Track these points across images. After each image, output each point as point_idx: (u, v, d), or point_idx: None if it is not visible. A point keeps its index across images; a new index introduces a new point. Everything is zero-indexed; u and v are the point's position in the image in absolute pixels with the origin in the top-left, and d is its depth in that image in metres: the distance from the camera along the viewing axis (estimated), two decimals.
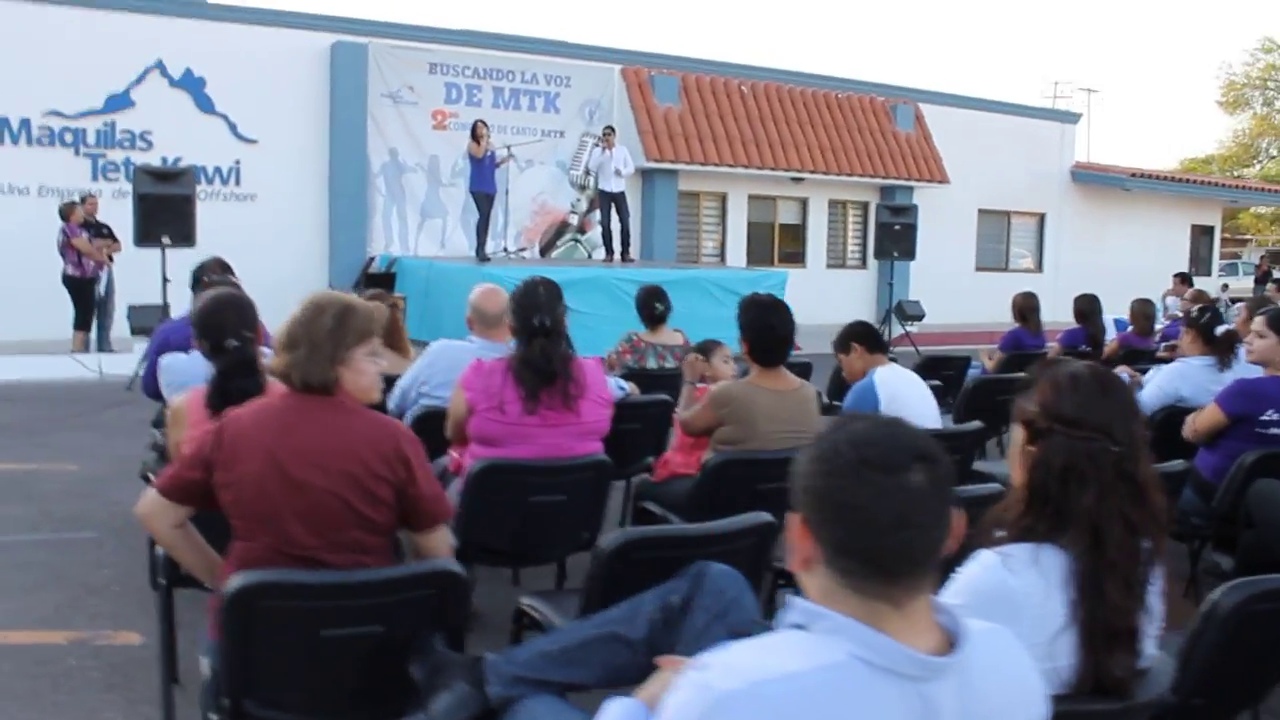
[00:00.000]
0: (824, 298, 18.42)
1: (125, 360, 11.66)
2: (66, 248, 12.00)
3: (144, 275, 11.97)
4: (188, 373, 4.30)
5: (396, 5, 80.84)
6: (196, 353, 4.35)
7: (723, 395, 4.34)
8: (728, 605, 2.31)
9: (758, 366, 4.45)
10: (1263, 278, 30.53)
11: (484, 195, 14.28)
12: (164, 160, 14.39)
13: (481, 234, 14.50)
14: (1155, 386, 5.99)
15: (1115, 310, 22.24)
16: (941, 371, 8.19)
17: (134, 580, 5.02)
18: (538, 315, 3.90)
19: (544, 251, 17.88)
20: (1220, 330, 6.00)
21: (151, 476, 4.65)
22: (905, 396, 5.13)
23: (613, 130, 15.92)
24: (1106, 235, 25.23)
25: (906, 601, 1.45)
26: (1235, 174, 46.05)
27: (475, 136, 14.01)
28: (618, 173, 15.20)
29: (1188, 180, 28.79)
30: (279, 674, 2.41)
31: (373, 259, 15.94)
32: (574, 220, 18.27)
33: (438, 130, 16.67)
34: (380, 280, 13.66)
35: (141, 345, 11.84)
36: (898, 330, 16.27)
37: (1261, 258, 33.76)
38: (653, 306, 6.63)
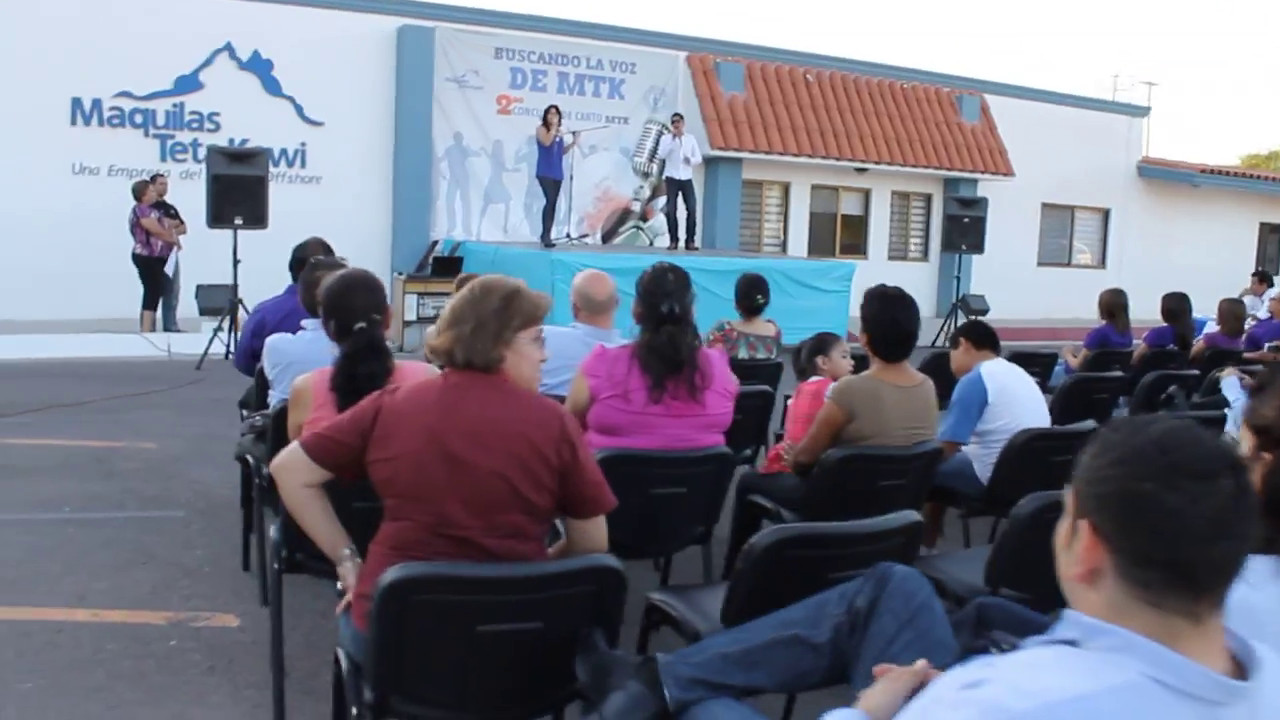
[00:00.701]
0: None
1: (193, 340, 11.69)
2: (136, 227, 12.02)
3: (212, 256, 12.02)
4: (295, 354, 4.22)
5: None
6: (306, 333, 4.28)
7: (848, 391, 4.19)
8: (916, 610, 2.17)
9: (880, 361, 4.29)
10: (1265, 278, 29.70)
11: (551, 181, 14.18)
12: (231, 142, 14.40)
13: (548, 220, 14.40)
14: None
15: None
16: (1029, 368, 7.94)
17: (225, 562, 4.96)
18: (666, 302, 3.77)
19: (606, 238, 17.76)
20: None
21: (250, 459, 4.59)
22: (1015, 390, 4.96)
23: (681, 117, 15.76)
24: (1173, 232, 24.71)
25: (1208, 618, 1.33)
26: None
27: (546, 123, 13.89)
28: (686, 160, 15.05)
29: (1258, 176, 28.10)
30: (430, 669, 2.30)
31: (436, 243, 15.90)
32: (637, 207, 18.14)
33: (502, 115, 16.58)
34: (448, 265, 13.58)
35: (210, 325, 11.89)
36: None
37: None
38: (754, 297, 6.47)
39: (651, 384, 3.67)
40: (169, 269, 12.34)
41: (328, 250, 5.47)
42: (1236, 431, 5.63)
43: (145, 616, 4.30)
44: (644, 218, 18.29)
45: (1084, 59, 77.03)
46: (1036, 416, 4.92)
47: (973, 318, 5.36)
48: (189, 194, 12.97)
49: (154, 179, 12.56)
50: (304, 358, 4.22)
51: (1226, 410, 5.71)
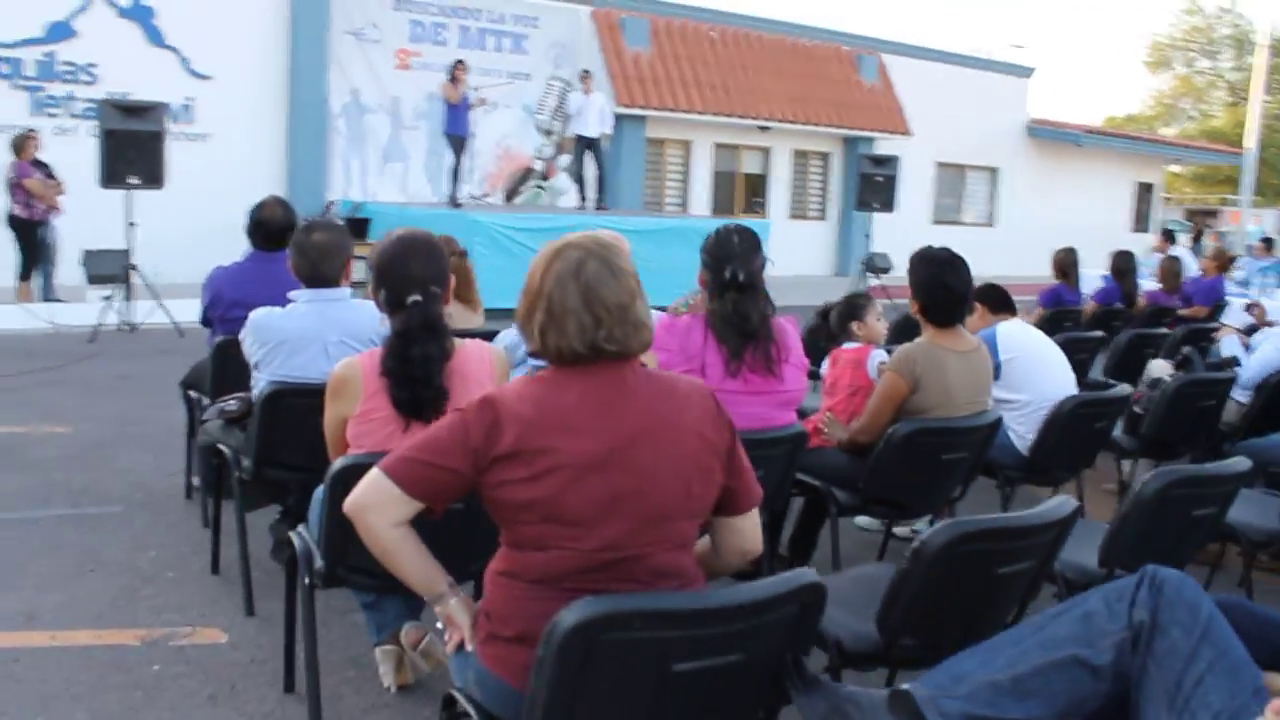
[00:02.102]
0: (785, 249, 17.99)
1: (79, 311, 10.75)
2: (16, 186, 10.94)
3: (98, 219, 11.08)
4: (289, 331, 3.67)
5: None
6: (298, 306, 3.72)
7: (910, 360, 3.84)
8: (1207, 622, 1.83)
9: (933, 327, 3.97)
10: (1198, 236, 30.94)
11: (458, 139, 13.63)
12: (109, 96, 13.33)
13: (454, 179, 13.82)
14: (1274, 349, 5.65)
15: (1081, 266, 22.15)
16: None
17: (188, 565, 4.38)
18: (730, 266, 3.35)
19: (508, 197, 17.15)
20: None
21: (226, 450, 4.01)
22: (1040, 354, 4.68)
23: (590, 74, 15.24)
24: (1057, 190, 25.19)
25: None
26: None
27: (453, 78, 13.27)
28: (602, 118, 14.61)
29: (1137, 137, 28.91)
30: (615, 717, 1.87)
31: (332, 203, 15.07)
32: (539, 166, 17.52)
33: (401, 70, 15.78)
34: (354, 227, 12.82)
35: (97, 294, 10.96)
36: (873, 283, 15.94)
37: (1206, 215, 34.20)
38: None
39: (729, 355, 3.26)
40: (48, 233, 11.29)
41: (285, 208, 4.86)
42: (1243, 395, 5.49)
43: (115, 636, 3.70)
44: (545, 176, 17.70)
45: (969, 20, 78.32)
46: (1064, 380, 4.66)
47: (988, 281, 5.05)
48: (64, 152, 11.94)
49: (28, 134, 11.45)
50: (300, 335, 3.68)
51: (1237, 370, 5.58)
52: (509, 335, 4.32)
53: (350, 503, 2.10)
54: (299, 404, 3.71)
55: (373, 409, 2.73)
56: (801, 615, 1.97)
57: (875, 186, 15.49)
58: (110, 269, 10.73)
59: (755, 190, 20.89)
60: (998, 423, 4.04)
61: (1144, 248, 24.83)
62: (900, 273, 17.63)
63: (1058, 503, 2.62)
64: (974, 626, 2.70)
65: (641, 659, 1.83)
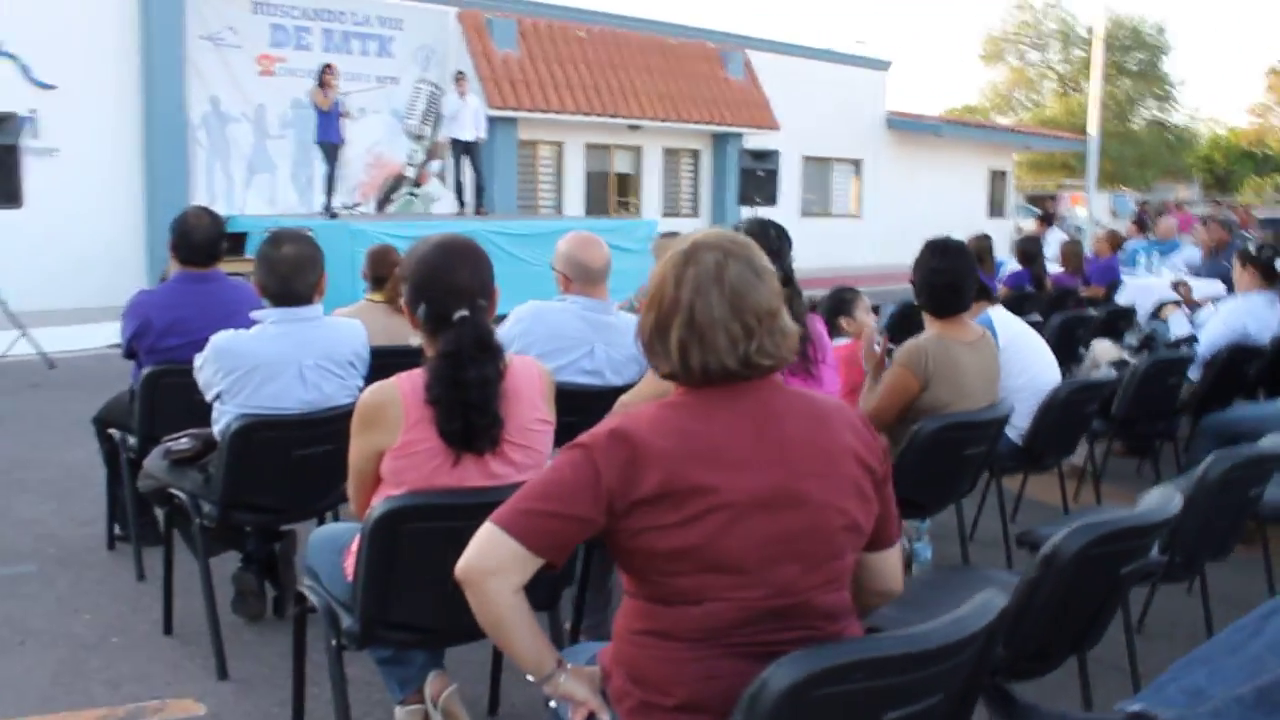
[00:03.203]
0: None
1: None
2: None
3: None
4: (263, 355, 3.26)
5: None
6: (267, 327, 3.31)
7: (919, 355, 3.65)
8: None
9: (937, 319, 3.80)
10: (1047, 219, 32.13)
11: (331, 146, 13.10)
12: None
13: (328, 188, 13.27)
14: (1221, 324, 5.69)
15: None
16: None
17: (134, 627, 3.91)
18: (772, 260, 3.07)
19: (380, 206, 16.54)
20: None
21: (181, 495, 3.56)
22: (1028, 340, 4.57)
23: (464, 75, 14.79)
24: (917, 180, 25.75)
25: None
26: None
27: (322, 84, 12.69)
28: (477, 121, 14.20)
29: (993, 127, 29.83)
30: None
31: None
32: (410, 173, 16.96)
33: (264, 76, 14.99)
34: (231, 242, 12.12)
35: None
36: None
37: (1051, 200, 35.59)
38: None
39: None
40: None
41: (212, 217, 4.40)
42: (1195, 373, 5.49)
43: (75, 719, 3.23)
44: (418, 183, 17.15)
45: (817, 16, 79.89)
46: (1051, 364, 4.56)
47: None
48: None
49: None
50: (273, 360, 3.28)
51: (1196, 347, 5.60)
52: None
53: (468, 567, 1.76)
54: (273, 438, 3.32)
55: (416, 440, 2.37)
56: (986, 643, 1.73)
57: (757, 181, 15.53)
58: None
59: (627, 190, 20.72)
60: (1010, 413, 3.89)
61: (1005, 233, 25.67)
62: (807, 265, 17.74)
63: (1164, 496, 2.48)
64: (1090, 632, 2.53)
65: (855, 713, 1.56)
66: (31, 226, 11.50)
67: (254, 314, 3.34)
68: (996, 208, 29.15)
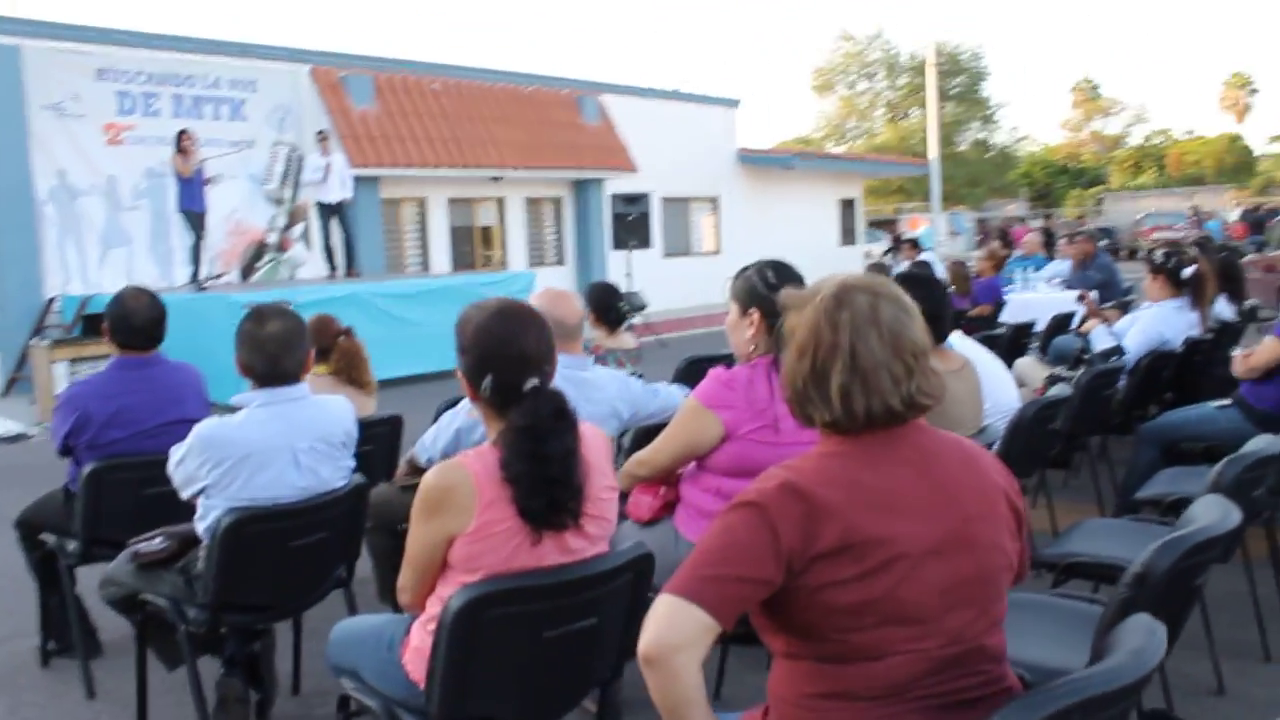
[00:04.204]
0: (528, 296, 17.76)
1: None
2: None
3: None
4: (254, 442, 3.03)
5: (52, 5, 69.90)
6: (255, 412, 3.08)
7: None
8: None
9: None
10: (896, 244, 33.21)
11: (196, 215, 12.71)
12: None
13: (194, 258, 12.82)
14: (1140, 333, 5.91)
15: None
16: None
17: (116, 697, 3.56)
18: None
19: (244, 275, 15.96)
20: (1186, 273, 6.02)
21: (159, 600, 3.27)
22: (988, 363, 4.63)
23: (325, 135, 14.47)
24: (771, 213, 26.27)
25: None
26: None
27: (181, 149, 12.23)
28: (343, 181, 13.90)
29: (841, 157, 30.68)
30: None
31: (53, 299, 13.48)
32: (273, 239, 16.44)
33: (113, 145, 14.30)
34: (89, 324, 11.49)
35: None
36: (635, 322, 15.93)
37: (894, 224, 36.81)
38: (615, 307, 5.72)
39: None
40: None
41: (151, 297, 4.12)
42: (1121, 382, 5.66)
43: None
44: (281, 248, 16.64)
45: (657, 60, 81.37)
46: (1010, 386, 4.63)
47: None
48: None
49: None
50: (269, 445, 3.06)
51: (1124, 358, 5.77)
52: (453, 423, 3.79)
53: (656, 644, 1.62)
54: (268, 530, 3.09)
55: (492, 522, 2.20)
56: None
57: (629, 225, 15.62)
58: None
59: (491, 242, 20.53)
60: (996, 439, 3.93)
61: (855, 260, 26.38)
62: (653, 309, 18.01)
63: (1219, 506, 2.53)
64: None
65: None
66: None
67: (236, 398, 3.11)
68: (848, 235, 29.99)
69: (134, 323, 3.92)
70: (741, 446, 2.89)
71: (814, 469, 1.72)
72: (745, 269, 3.14)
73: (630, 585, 2.41)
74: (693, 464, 3.07)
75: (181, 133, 12.48)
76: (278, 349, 3.05)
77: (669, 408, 4.17)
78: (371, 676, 2.48)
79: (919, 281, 3.84)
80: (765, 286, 3.02)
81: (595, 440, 2.37)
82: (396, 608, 4.30)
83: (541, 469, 2.17)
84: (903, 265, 15.12)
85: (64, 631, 4.24)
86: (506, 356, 2.26)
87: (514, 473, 2.18)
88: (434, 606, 2.31)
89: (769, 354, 2.97)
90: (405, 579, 2.37)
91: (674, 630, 1.62)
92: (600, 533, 2.35)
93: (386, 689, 2.43)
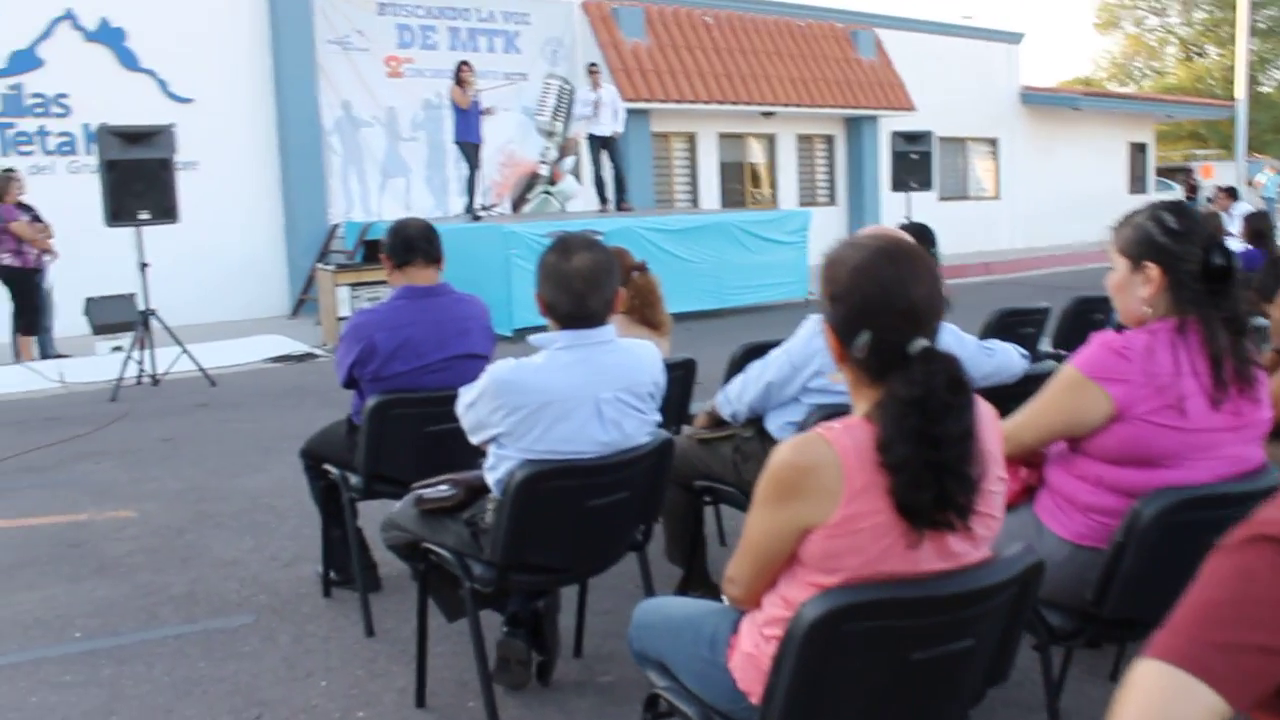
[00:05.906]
0: None
1: (88, 366, 9.68)
2: (3, 232, 9.80)
3: (94, 262, 10.03)
4: (555, 388, 2.69)
5: None
6: (554, 355, 2.73)
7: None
8: None
9: None
10: (1192, 193, 30.49)
11: (472, 146, 12.76)
12: (85, 128, 12.24)
13: (470, 189, 12.91)
14: None
15: (1072, 232, 21.60)
16: (1022, 327, 6.11)
17: (379, 698, 3.39)
18: (1211, 249, 2.41)
19: (515, 206, 16.10)
20: None
21: (443, 553, 3.02)
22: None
23: (597, 67, 14.29)
24: (1054, 158, 24.55)
25: None
26: None
27: (460, 81, 12.31)
28: (614, 114, 13.66)
29: (1132, 97, 28.34)
30: None
31: (336, 226, 14.00)
32: (544, 170, 16.47)
33: (393, 78, 14.70)
34: (369, 250, 11.80)
35: (105, 345, 9.88)
36: None
37: (1188, 173, 33.77)
38: (931, 253, 5.13)
39: (1214, 379, 2.33)
40: (46, 282, 10.16)
41: (429, 228, 3.89)
42: None
43: None
44: (552, 181, 16.67)
45: None
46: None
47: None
48: (45, 192, 10.83)
49: (9, 175, 10.28)
50: (571, 393, 2.71)
51: None
52: (763, 375, 3.39)
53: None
54: (566, 487, 2.76)
55: (861, 514, 1.74)
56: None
57: (911, 165, 14.69)
58: (118, 316, 9.67)
59: (759, 180, 20.02)
60: None
61: None
62: (946, 251, 16.94)
63: None
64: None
65: None
66: (179, 241, 11.32)
67: (535, 338, 2.78)
68: (1137, 183, 27.68)
69: (408, 234, 3.72)
70: (1135, 429, 2.32)
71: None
72: (1133, 214, 2.52)
73: (1013, 601, 1.92)
74: (1062, 444, 2.52)
75: (462, 64, 12.57)
76: (584, 286, 2.68)
77: (1004, 368, 3.62)
78: (686, 676, 2.10)
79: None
80: (1165, 235, 2.40)
81: (989, 419, 1.86)
82: (686, 565, 3.98)
83: (932, 454, 1.69)
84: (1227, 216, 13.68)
85: (345, 564, 4.14)
86: (892, 309, 1.77)
87: (897, 457, 1.70)
88: (775, 608, 1.88)
89: (1171, 317, 2.38)
90: (739, 570, 1.95)
91: (1171, 717, 1.12)
92: (988, 534, 1.86)
93: (706, 694, 2.04)
